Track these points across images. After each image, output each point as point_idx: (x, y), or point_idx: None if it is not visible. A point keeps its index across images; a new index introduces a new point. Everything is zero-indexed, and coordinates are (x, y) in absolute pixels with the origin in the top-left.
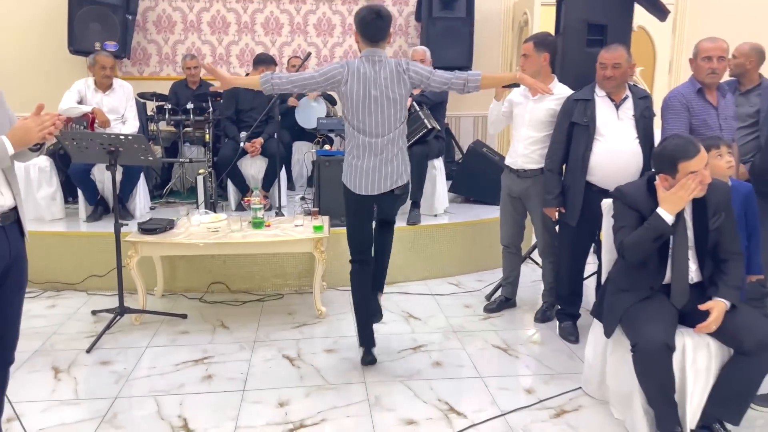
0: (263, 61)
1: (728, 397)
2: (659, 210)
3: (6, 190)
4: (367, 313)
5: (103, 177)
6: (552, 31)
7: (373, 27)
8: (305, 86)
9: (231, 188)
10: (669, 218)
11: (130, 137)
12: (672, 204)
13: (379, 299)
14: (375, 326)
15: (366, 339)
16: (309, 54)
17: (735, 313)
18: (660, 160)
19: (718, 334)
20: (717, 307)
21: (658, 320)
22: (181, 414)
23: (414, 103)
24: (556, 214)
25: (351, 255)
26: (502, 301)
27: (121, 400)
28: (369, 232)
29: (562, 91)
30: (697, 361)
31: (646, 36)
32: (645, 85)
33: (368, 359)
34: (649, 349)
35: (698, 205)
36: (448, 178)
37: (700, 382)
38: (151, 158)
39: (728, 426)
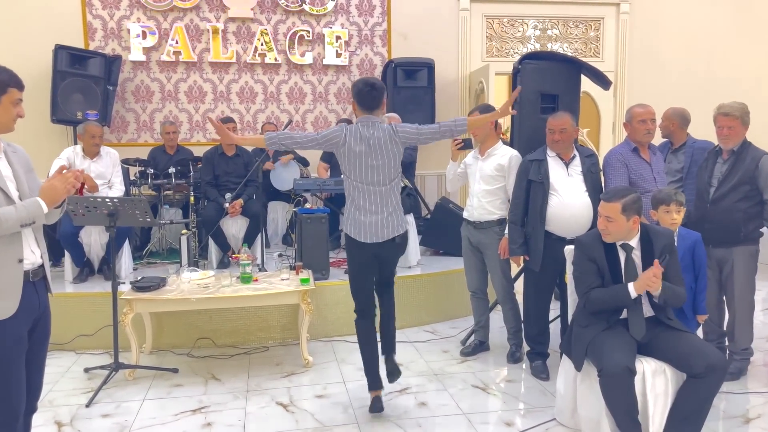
0: (227, 121)
1: (684, 417)
2: (630, 287)
3: (36, 248)
4: (374, 358)
5: (90, 240)
6: (504, 98)
7: (368, 97)
8: (306, 145)
9: (212, 247)
10: (634, 295)
11: (132, 201)
12: (642, 287)
13: (394, 360)
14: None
15: (375, 383)
16: (290, 121)
17: (685, 341)
18: None
19: (672, 361)
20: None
21: (619, 348)
22: None
23: None
24: (521, 261)
25: (356, 306)
26: (477, 345)
27: None
28: (371, 284)
29: (505, 151)
30: (656, 386)
31: (591, 100)
32: (591, 144)
33: (377, 406)
34: (614, 373)
35: (646, 249)
36: (417, 233)
37: (659, 405)
38: (149, 219)
39: None
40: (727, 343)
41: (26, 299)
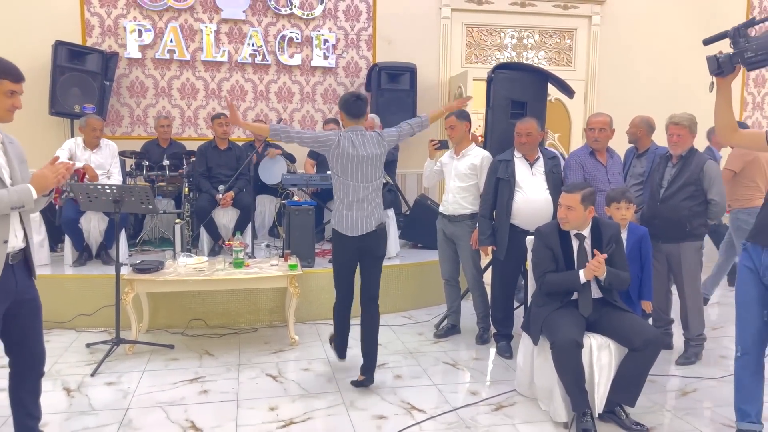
0: (219, 116)
1: (625, 385)
2: (580, 273)
3: (20, 232)
4: (345, 335)
5: (89, 226)
6: (482, 101)
7: (354, 106)
8: (306, 139)
9: (204, 236)
10: (584, 280)
11: (136, 189)
12: (590, 274)
13: (372, 378)
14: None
15: (342, 350)
16: (281, 119)
17: (627, 320)
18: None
19: (615, 336)
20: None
21: (570, 324)
22: (187, 418)
23: None
24: (489, 251)
25: (337, 295)
26: (449, 328)
27: (133, 410)
28: (353, 276)
29: (478, 152)
30: (601, 358)
31: (563, 107)
32: (563, 148)
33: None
34: (564, 345)
35: (596, 238)
36: (397, 227)
37: (604, 375)
38: (151, 207)
39: (627, 408)
40: (682, 332)
41: (2, 281)
